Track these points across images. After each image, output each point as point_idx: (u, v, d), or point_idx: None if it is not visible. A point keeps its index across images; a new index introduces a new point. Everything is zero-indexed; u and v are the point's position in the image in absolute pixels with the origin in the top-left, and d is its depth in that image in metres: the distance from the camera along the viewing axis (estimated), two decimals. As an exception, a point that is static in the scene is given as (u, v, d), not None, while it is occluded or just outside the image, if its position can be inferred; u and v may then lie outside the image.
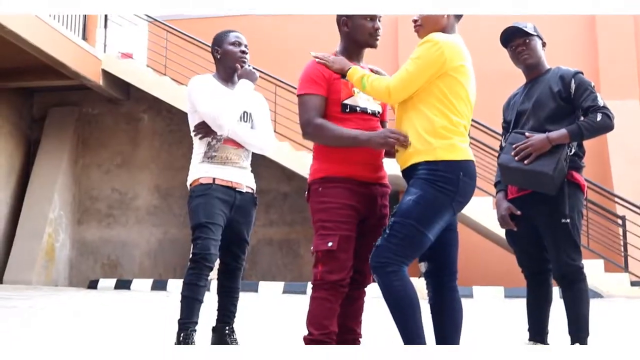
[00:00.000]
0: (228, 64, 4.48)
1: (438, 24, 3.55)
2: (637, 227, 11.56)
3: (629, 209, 11.75)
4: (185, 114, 4.64)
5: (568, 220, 3.99)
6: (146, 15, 13.76)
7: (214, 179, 4.27)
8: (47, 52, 11.27)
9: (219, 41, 4.53)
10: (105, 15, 13.45)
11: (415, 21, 3.63)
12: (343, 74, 3.60)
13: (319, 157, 3.63)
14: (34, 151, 14.24)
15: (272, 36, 15.19)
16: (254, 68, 4.55)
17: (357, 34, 3.70)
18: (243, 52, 4.48)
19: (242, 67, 4.47)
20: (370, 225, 3.58)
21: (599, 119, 3.94)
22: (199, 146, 4.39)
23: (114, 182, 14.44)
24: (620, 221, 11.92)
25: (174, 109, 13.18)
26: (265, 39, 14.79)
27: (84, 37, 12.82)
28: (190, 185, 4.38)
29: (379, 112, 3.73)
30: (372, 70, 3.80)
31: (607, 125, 3.97)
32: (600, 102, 4.00)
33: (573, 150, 4.09)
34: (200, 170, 4.33)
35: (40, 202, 13.46)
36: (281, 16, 15.55)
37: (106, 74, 13.17)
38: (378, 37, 3.74)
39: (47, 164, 13.83)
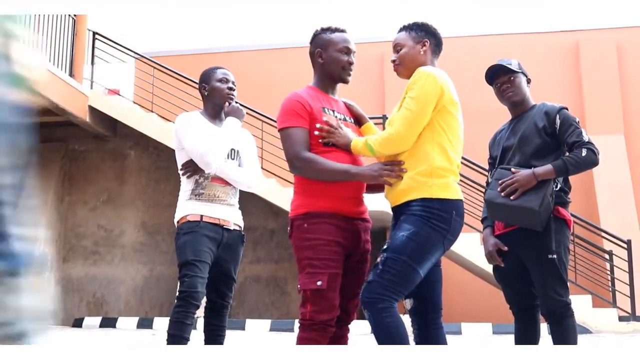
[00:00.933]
0: (215, 101, 4.48)
1: (416, 60, 3.57)
2: (625, 262, 11.57)
3: (616, 243, 11.76)
4: (172, 151, 4.63)
5: (554, 256, 3.98)
6: (133, 51, 13.80)
7: (201, 216, 4.26)
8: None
9: (206, 78, 4.54)
10: (93, 52, 13.47)
11: (394, 61, 3.65)
12: (347, 149, 3.57)
13: (300, 192, 3.58)
14: (19, 188, 14.17)
15: (259, 73, 15.25)
16: (240, 105, 4.55)
17: (331, 67, 3.67)
18: (230, 88, 4.49)
19: (229, 104, 4.47)
20: (353, 262, 3.55)
21: (584, 154, 3.96)
22: (186, 184, 4.38)
23: (100, 219, 14.36)
24: (607, 256, 11.93)
25: (161, 146, 13.17)
26: (252, 75, 14.84)
27: (71, 74, 12.83)
28: (178, 222, 4.36)
29: None
30: (345, 104, 3.80)
31: (592, 160, 3.99)
32: (585, 138, 4.02)
33: (559, 186, 4.10)
34: (187, 208, 4.32)
35: (26, 239, 13.35)
36: (268, 52, 15.63)
37: (93, 111, 13.15)
38: (350, 72, 3.71)
39: (33, 201, 13.75)
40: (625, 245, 11.62)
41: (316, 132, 3.54)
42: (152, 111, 13.19)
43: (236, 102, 4.52)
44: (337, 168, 3.46)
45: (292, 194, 3.68)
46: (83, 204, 14.38)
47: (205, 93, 4.52)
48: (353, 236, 3.54)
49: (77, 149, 14.51)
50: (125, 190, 14.33)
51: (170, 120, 12.41)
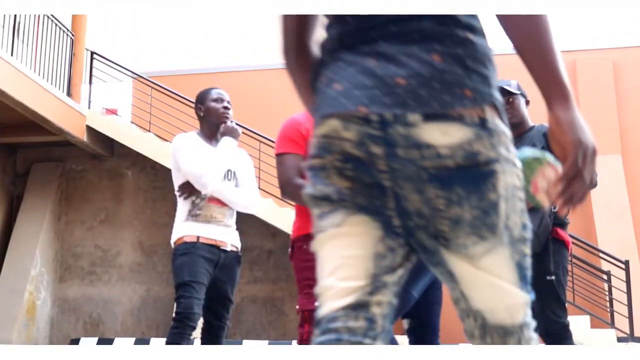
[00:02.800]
0: (211, 121, 4.49)
1: None
2: (623, 283, 11.54)
3: (614, 264, 11.74)
4: (170, 170, 4.63)
5: (553, 278, 3.97)
6: (131, 71, 13.82)
7: (198, 237, 4.24)
8: (31, 107, 11.27)
9: (201, 98, 4.55)
10: (91, 72, 13.49)
11: None
12: None
13: (301, 214, 3.60)
14: (16, 207, 14.13)
15: (256, 93, 15.26)
16: (236, 124, 4.56)
17: None
18: (225, 107, 4.50)
19: (224, 123, 4.47)
20: None
21: (582, 176, 3.95)
22: (183, 204, 4.37)
23: (97, 238, 14.32)
24: (605, 277, 11.90)
25: (158, 165, 13.15)
26: (250, 95, 14.85)
27: (69, 93, 12.85)
28: (175, 243, 4.35)
29: None
30: None
31: (590, 182, 3.98)
32: (584, 159, 4.01)
33: (557, 207, 4.09)
34: (184, 229, 4.30)
35: (22, 259, 13.31)
36: (266, 72, 15.65)
37: (90, 130, 13.15)
38: None
39: (30, 221, 13.71)
40: (623, 266, 11.60)
41: None
42: (149, 131, 13.19)
43: (232, 122, 4.53)
44: None
45: (289, 214, 3.70)
46: (80, 223, 14.35)
47: (201, 114, 4.54)
48: None
49: (74, 169, 14.49)
50: (122, 210, 14.31)
51: (167, 140, 12.40)
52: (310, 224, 3.50)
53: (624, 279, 11.55)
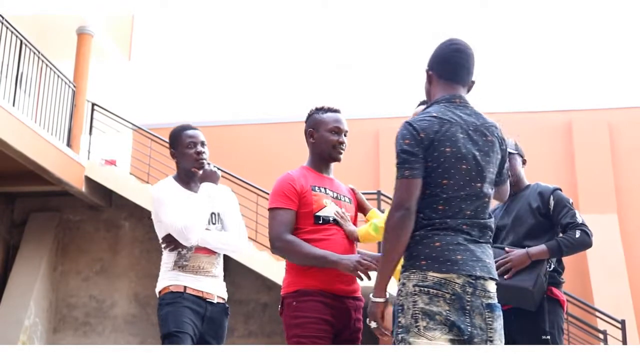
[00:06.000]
0: (186, 167, 4.32)
1: None
2: (619, 342, 11.48)
3: (610, 323, 11.70)
4: (167, 222, 4.53)
5: (548, 337, 3.97)
6: (131, 123, 13.91)
7: (185, 287, 4.14)
8: (31, 157, 11.31)
9: (174, 142, 4.37)
10: (91, 123, 13.56)
11: None
12: (351, 236, 3.71)
13: (291, 271, 3.61)
14: (12, 256, 14.07)
15: (255, 146, 15.35)
16: (214, 167, 4.36)
17: (321, 146, 3.71)
18: (199, 152, 4.29)
19: (201, 168, 4.30)
20: (343, 340, 3.54)
21: (577, 235, 3.98)
22: (168, 255, 4.26)
23: (92, 289, 14.24)
24: (601, 335, 11.84)
25: (155, 217, 13.14)
26: (247, 148, 14.93)
27: (69, 144, 12.89)
28: (160, 292, 4.27)
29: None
30: (351, 189, 3.87)
31: (585, 242, 4.01)
32: (579, 219, 4.04)
33: (552, 266, 4.11)
34: (170, 278, 4.20)
35: (16, 309, 13.20)
36: (264, 126, 15.76)
37: (89, 181, 13.17)
38: (341, 151, 3.74)
39: (25, 270, 13.64)
40: (619, 325, 11.56)
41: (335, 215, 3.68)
42: (147, 182, 13.22)
43: (209, 164, 4.34)
44: (315, 253, 3.48)
45: (284, 268, 3.71)
46: (76, 274, 14.28)
47: (175, 159, 4.38)
48: (342, 314, 3.54)
49: (71, 219, 14.48)
50: (118, 260, 14.26)
51: (165, 192, 12.41)
52: (299, 280, 3.53)
53: (620, 338, 11.50)
